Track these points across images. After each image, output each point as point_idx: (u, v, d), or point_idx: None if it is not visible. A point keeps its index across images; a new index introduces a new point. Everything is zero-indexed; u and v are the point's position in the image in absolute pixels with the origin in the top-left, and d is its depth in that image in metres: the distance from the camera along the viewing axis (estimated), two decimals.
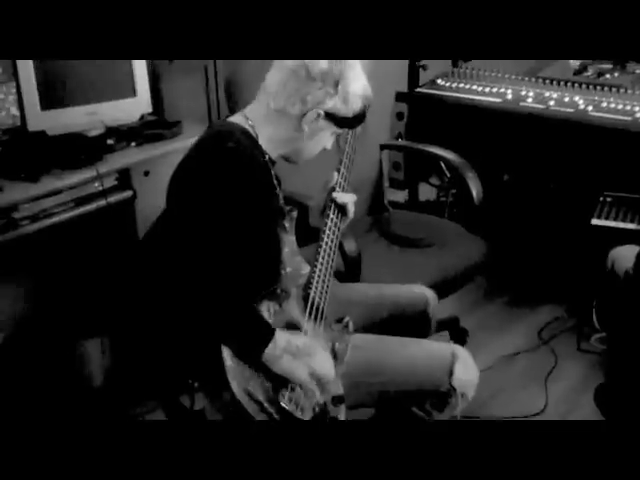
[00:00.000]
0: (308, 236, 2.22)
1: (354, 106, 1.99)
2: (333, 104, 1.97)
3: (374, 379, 2.10)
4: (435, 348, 2.24)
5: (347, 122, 2.03)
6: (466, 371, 2.17)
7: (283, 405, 1.88)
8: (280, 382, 1.90)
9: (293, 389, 1.91)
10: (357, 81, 1.99)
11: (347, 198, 2.21)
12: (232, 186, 1.90)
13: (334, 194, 2.20)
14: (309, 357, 1.92)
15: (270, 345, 1.87)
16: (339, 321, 2.11)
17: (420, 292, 2.44)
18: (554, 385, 3.14)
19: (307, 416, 1.91)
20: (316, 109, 1.96)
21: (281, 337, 1.89)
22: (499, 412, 2.95)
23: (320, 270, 2.07)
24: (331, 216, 2.17)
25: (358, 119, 2.04)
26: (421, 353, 2.20)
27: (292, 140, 2.04)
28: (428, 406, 2.15)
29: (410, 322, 2.38)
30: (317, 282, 2.06)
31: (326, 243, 2.12)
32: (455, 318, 3.36)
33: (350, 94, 1.97)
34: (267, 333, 1.89)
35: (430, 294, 2.44)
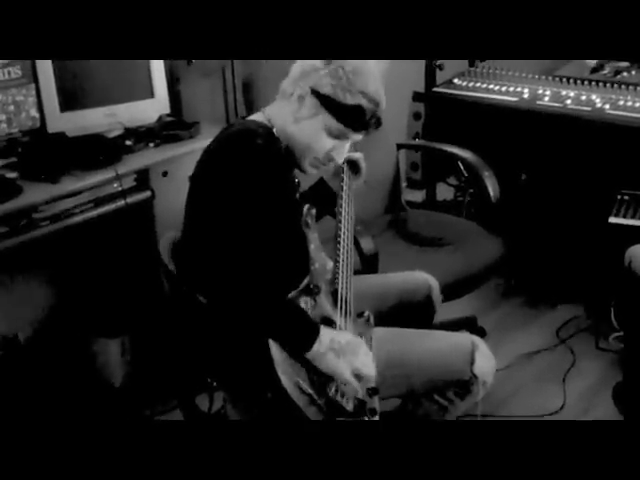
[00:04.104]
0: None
1: (354, 98, 1.94)
2: (331, 88, 1.94)
3: (398, 371, 2.13)
4: (455, 338, 2.29)
5: (342, 113, 1.95)
6: (485, 359, 2.20)
7: (331, 396, 1.91)
8: (326, 376, 1.93)
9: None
10: (364, 76, 1.96)
11: (357, 155, 2.28)
12: (261, 183, 1.93)
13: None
14: (353, 356, 1.94)
15: (315, 343, 1.89)
16: (359, 315, 2.13)
17: (422, 278, 2.48)
18: (572, 384, 3.13)
19: (350, 407, 1.94)
20: (313, 89, 1.95)
21: (325, 334, 1.92)
22: (517, 410, 2.95)
23: (342, 266, 2.08)
24: (346, 169, 2.24)
25: (354, 115, 1.96)
26: (442, 344, 2.24)
27: (292, 124, 2.01)
28: (451, 394, 2.19)
29: (415, 308, 2.43)
30: (342, 276, 2.08)
31: (346, 192, 2.19)
32: (473, 317, 3.37)
33: (352, 84, 1.94)
34: (313, 331, 1.91)
35: (432, 279, 2.48)
